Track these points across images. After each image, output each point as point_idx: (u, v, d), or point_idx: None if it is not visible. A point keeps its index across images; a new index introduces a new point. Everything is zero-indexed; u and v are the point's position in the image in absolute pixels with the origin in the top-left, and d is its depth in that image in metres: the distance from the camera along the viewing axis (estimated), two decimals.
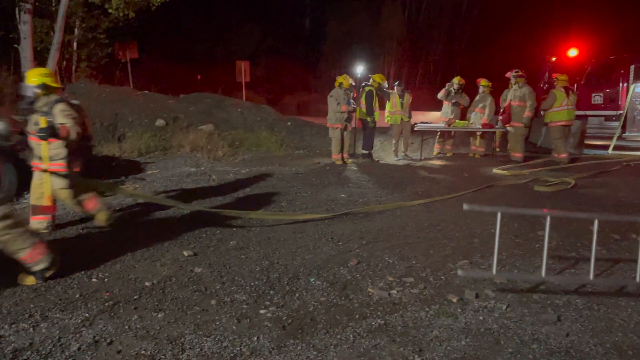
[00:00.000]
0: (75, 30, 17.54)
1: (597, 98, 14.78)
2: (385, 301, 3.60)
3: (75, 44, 17.82)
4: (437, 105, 13.23)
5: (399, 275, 4.08)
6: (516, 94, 10.78)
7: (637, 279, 3.70)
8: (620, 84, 14.39)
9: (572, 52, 15.66)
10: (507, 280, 3.96)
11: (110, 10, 14.71)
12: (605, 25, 26.74)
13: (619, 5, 28.09)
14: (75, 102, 5.27)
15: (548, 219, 3.53)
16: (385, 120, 11.88)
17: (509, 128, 10.97)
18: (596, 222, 3.57)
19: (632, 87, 13.66)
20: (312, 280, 4.01)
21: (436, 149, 12.13)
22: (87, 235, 5.17)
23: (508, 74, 11.16)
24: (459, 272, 3.66)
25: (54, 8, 15.60)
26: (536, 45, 26.16)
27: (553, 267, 4.29)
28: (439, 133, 12.04)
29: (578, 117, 14.58)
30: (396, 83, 11.68)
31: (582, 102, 14.99)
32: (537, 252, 4.67)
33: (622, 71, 14.38)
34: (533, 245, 4.87)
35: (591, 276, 3.59)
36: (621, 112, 13.88)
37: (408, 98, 11.51)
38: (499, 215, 3.43)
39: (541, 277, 3.55)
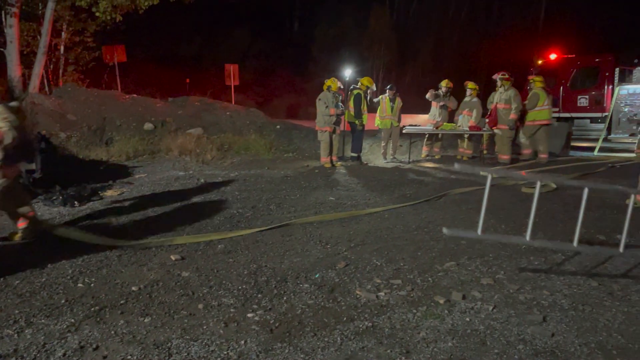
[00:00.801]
0: (62, 33, 17.45)
1: (583, 100, 14.96)
2: (373, 303, 3.61)
3: (62, 48, 17.72)
4: (425, 108, 13.30)
5: (386, 278, 4.09)
6: (502, 96, 10.89)
7: (621, 249, 3.75)
8: (605, 87, 14.58)
9: (558, 55, 15.87)
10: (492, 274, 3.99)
11: (97, 14, 14.65)
12: (590, 29, 27.07)
13: (604, 9, 28.46)
14: (13, 104, 5.03)
15: (538, 184, 3.63)
16: (375, 124, 11.93)
17: (495, 130, 11.06)
18: (586, 190, 3.63)
19: (617, 89, 13.85)
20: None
21: (424, 151, 12.20)
22: (73, 240, 5.12)
23: (495, 76, 11.27)
24: (444, 230, 3.56)
25: (40, 12, 15.51)
26: (523, 48, 26.41)
27: (539, 267, 4.33)
28: (427, 135, 12.11)
29: (564, 119, 14.80)
30: (388, 87, 11.69)
31: (568, 105, 15.19)
32: (523, 253, 4.72)
33: (607, 74, 14.58)
34: (519, 246, 4.91)
35: (575, 243, 3.62)
36: (606, 114, 14.07)
37: (399, 102, 11.56)
38: (489, 177, 3.46)
39: (526, 241, 3.57)
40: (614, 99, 13.79)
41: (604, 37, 26.15)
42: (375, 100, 11.65)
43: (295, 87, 34.39)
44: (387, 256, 4.64)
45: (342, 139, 11.30)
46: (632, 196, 3.60)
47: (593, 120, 14.77)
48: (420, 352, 2.93)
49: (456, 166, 3.62)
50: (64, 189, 7.03)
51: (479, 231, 3.48)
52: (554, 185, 7.84)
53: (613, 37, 25.77)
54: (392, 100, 11.42)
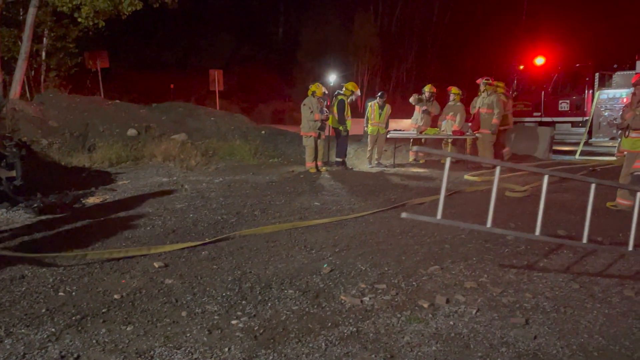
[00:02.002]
0: (44, 39, 17.24)
1: (564, 105, 15.19)
2: (358, 308, 3.61)
3: (43, 54, 17.51)
4: (410, 113, 13.38)
5: (371, 282, 4.10)
6: (484, 101, 11.01)
7: (584, 240, 3.73)
8: (586, 92, 14.81)
9: (539, 61, 16.09)
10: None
11: (79, 20, 14.49)
12: (570, 35, 27.50)
13: (584, 16, 28.95)
14: None
15: (497, 169, 3.67)
16: (365, 130, 11.97)
17: (477, 135, 11.18)
18: (546, 178, 3.63)
19: (597, 94, 14.08)
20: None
21: (411, 156, 12.27)
22: (53, 247, 5.05)
23: (479, 81, 11.40)
24: (403, 214, 3.49)
25: (21, 17, 15.32)
26: (505, 53, 26.75)
27: (522, 270, 4.37)
28: (411, 140, 12.18)
29: (546, 123, 15.01)
30: (379, 94, 11.69)
31: (550, 109, 15.42)
32: (506, 256, 4.77)
33: (587, 79, 14.82)
34: (502, 250, 4.95)
35: (537, 231, 3.62)
36: (587, 118, 14.29)
37: (387, 110, 11.57)
38: (448, 160, 3.43)
39: (486, 228, 3.52)
40: (594, 103, 14.01)
41: (583, 43, 26.60)
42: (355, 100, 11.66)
43: (280, 92, 34.43)
44: (371, 261, 4.65)
45: (327, 144, 11.31)
46: (590, 191, 3.63)
47: (574, 124, 14.99)
48: (405, 357, 2.93)
49: (414, 148, 3.67)
50: (45, 197, 6.93)
51: (439, 215, 3.44)
52: (522, 189, 7.96)
53: (592, 43, 26.24)
54: (381, 107, 11.44)
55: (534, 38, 26.88)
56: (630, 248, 3.38)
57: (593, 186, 3.40)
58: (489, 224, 3.34)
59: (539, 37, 27.15)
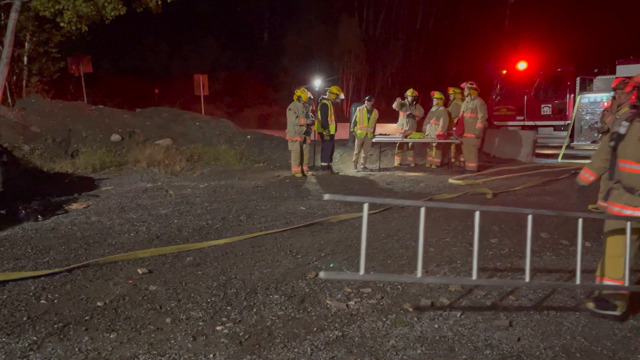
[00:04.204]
0: (26, 44, 17.02)
1: (546, 109, 15.37)
2: (343, 313, 3.62)
3: (25, 59, 17.29)
4: (394, 117, 13.45)
5: (356, 286, 4.10)
6: (468, 105, 11.10)
7: (527, 279, 3.41)
8: (568, 96, 15.02)
9: (522, 65, 16.26)
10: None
11: (62, 24, 14.28)
12: (552, 40, 27.90)
13: (565, 21, 29.40)
14: None
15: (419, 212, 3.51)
16: (351, 134, 11.98)
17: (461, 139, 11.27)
18: (477, 214, 3.27)
19: (578, 98, 14.28)
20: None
21: (397, 160, 12.31)
22: (35, 254, 4.98)
23: (463, 85, 11.49)
24: (321, 274, 2.99)
25: (2, 22, 15.12)
26: (488, 58, 27.04)
27: (506, 273, 4.41)
28: (397, 145, 12.24)
29: (529, 127, 15.19)
30: (367, 98, 11.69)
31: (533, 113, 15.61)
32: (490, 259, 4.81)
33: (568, 83, 15.02)
34: (486, 252, 4.99)
35: (474, 276, 3.25)
36: (569, 122, 14.49)
37: (375, 114, 11.58)
38: (365, 206, 3.12)
39: (417, 278, 3.14)
40: (575, 107, 14.21)
41: (565, 48, 27.00)
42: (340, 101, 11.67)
43: (265, 97, 34.35)
44: (357, 265, 4.63)
45: (312, 149, 11.32)
46: (528, 222, 3.29)
47: (556, 128, 15.19)
48: None
49: (326, 197, 2.93)
50: (27, 203, 6.84)
51: (362, 271, 3.03)
52: (490, 192, 8.09)
53: (574, 48, 26.64)
54: (370, 111, 11.45)
55: (516, 43, 27.22)
56: (578, 281, 3.32)
57: (530, 217, 3.29)
58: (419, 273, 3.13)
59: (521, 41, 27.49)
